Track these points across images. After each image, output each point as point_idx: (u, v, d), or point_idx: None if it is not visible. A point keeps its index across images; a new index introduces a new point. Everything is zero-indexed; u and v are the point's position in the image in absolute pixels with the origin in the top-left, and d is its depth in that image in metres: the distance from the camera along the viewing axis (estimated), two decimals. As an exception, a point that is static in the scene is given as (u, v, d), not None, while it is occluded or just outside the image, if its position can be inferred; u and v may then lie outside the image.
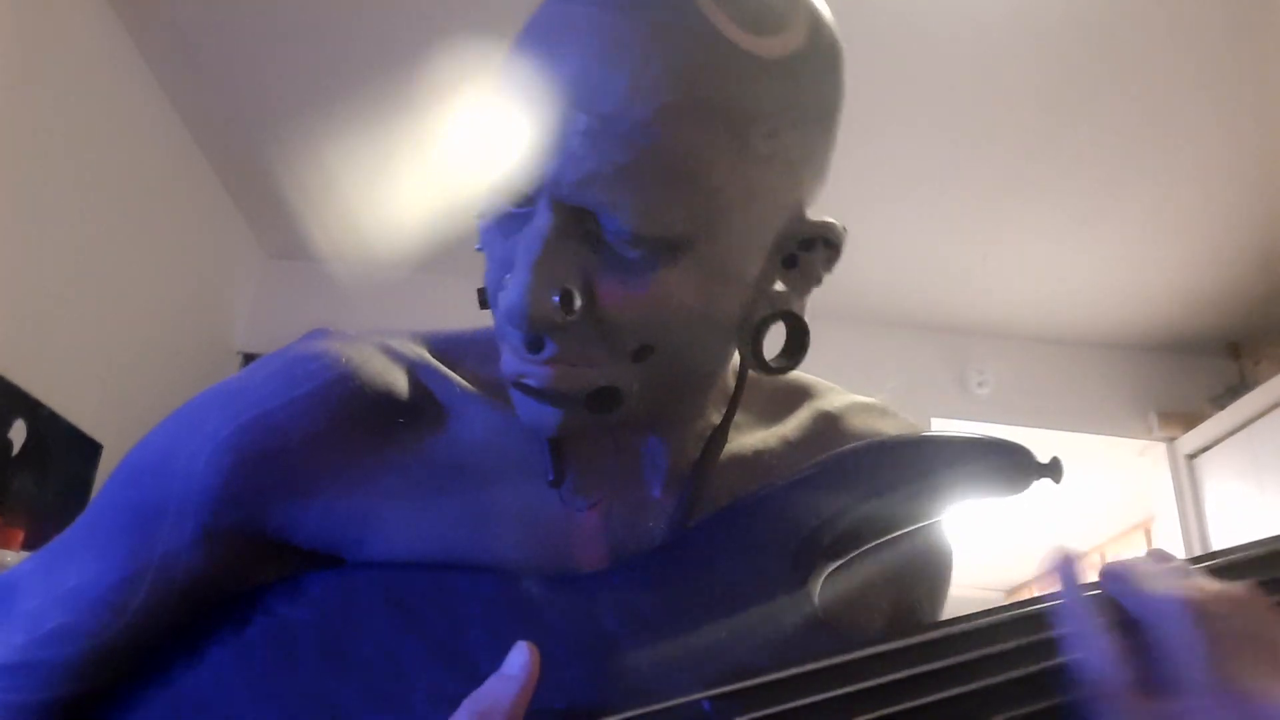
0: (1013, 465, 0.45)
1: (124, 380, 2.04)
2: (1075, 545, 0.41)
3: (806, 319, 0.48)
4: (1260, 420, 2.41)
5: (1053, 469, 0.45)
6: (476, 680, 0.37)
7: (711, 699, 0.38)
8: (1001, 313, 2.79)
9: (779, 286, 0.48)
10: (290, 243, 2.72)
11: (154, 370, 2.18)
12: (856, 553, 0.46)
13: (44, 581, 0.48)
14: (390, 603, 0.44)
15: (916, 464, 0.46)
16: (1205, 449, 2.63)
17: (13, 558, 1.64)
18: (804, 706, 0.38)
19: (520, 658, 0.37)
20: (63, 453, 1.86)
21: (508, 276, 0.42)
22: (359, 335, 0.52)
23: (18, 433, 1.73)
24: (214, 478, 0.46)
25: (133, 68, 2.04)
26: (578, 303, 0.42)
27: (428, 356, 0.53)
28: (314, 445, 0.47)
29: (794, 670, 0.39)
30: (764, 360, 0.48)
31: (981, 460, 0.45)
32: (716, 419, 0.52)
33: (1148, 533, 3.41)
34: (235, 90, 2.14)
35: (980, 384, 2.81)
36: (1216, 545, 2.51)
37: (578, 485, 0.50)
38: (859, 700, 0.38)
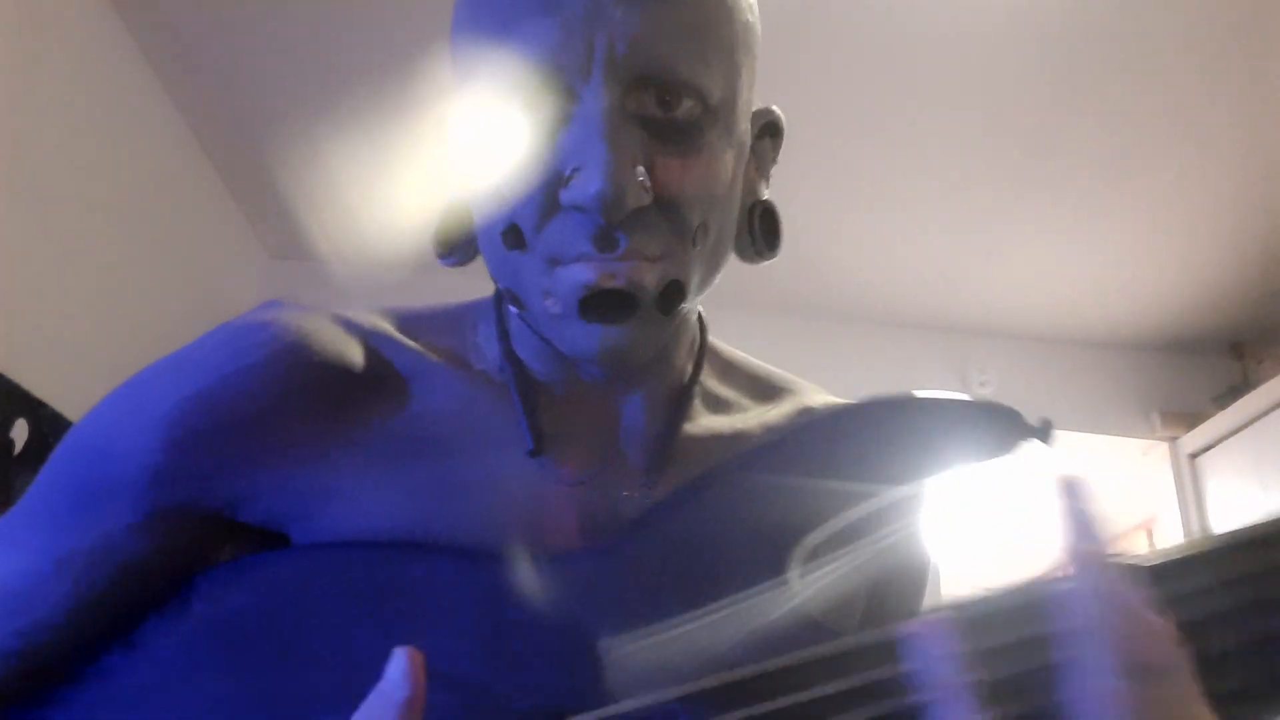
0: (1002, 428, 0.43)
1: (126, 379, 2.04)
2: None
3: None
4: (1263, 420, 2.40)
5: (1043, 431, 0.43)
6: (434, 679, 0.35)
7: (682, 699, 0.35)
8: (1003, 312, 2.78)
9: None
10: (292, 243, 2.72)
11: (156, 370, 2.18)
12: (839, 524, 0.43)
13: None
14: (343, 590, 0.41)
15: (898, 428, 0.43)
16: (1208, 449, 2.62)
17: (15, 557, 1.64)
18: (783, 708, 0.35)
19: (399, 668, 0.33)
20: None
21: (574, 170, 0.41)
22: (313, 306, 0.50)
23: (20, 432, 1.73)
24: (155, 456, 0.44)
25: (135, 68, 2.05)
26: (649, 182, 0.42)
27: (386, 326, 0.51)
28: (261, 419, 0.45)
29: (770, 665, 0.36)
30: (759, 247, 0.52)
31: (969, 423, 0.43)
32: (689, 371, 0.53)
33: (1150, 532, 3.40)
34: (238, 90, 2.14)
35: (982, 384, 2.81)
36: (1219, 545, 2.52)
37: (555, 455, 0.48)
38: (844, 700, 0.35)
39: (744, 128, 0.48)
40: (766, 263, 0.53)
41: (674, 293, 0.44)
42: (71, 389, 1.87)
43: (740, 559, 0.42)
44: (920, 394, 0.45)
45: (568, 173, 0.42)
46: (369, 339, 0.50)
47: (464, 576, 0.42)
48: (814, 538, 0.43)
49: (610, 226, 0.42)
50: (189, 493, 0.45)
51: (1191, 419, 2.70)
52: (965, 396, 0.44)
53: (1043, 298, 2.70)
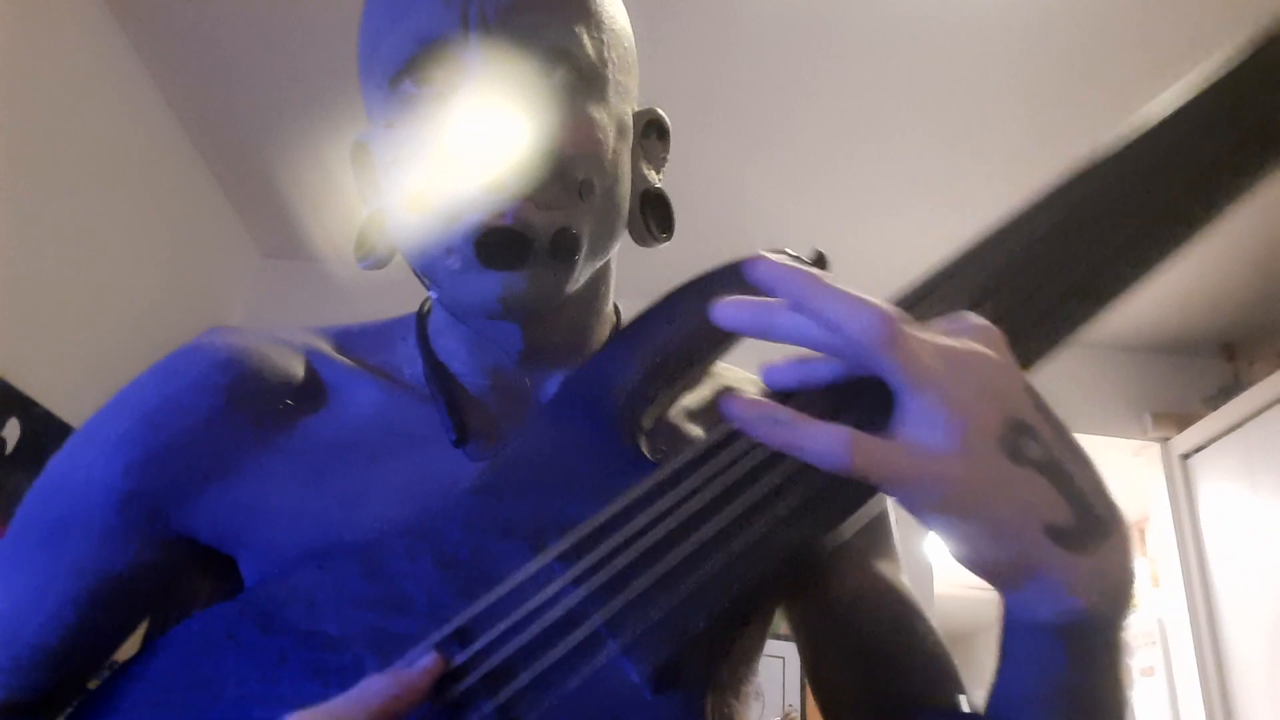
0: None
1: (118, 378, 2.02)
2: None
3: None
4: (1254, 420, 2.41)
5: (819, 260, 0.47)
6: (342, 647, 0.39)
7: (559, 556, 0.38)
8: (997, 313, 2.79)
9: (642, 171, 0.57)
10: (286, 242, 2.72)
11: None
12: (686, 375, 0.47)
13: None
14: (240, 632, 0.43)
15: (719, 289, 0.46)
16: (1199, 449, 2.63)
17: (7, 557, 1.63)
18: (639, 529, 0.38)
19: (420, 665, 0.37)
20: (56, 451, 1.86)
21: (459, 124, 0.45)
22: (250, 330, 0.53)
23: (11, 431, 1.72)
24: (111, 482, 0.47)
25: (128, 66, 2.04)
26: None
27: (318, 344, 0.54)
28: (199, 435, 0.48)
29: (619, 503, 0.39)
30: (651, 231, 0.56)
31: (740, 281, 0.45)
32: None
33: (1141, 532, 3.42)
34: (231, 89, 2.14)
35: (975, 384, 2.81)
36: (1211, 546, 2.52)
37: (478, 446, 0.51)
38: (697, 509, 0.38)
39: (623, 109, 0.53)
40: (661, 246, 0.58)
41: (566, 241, 0.48)
42: (64, 388, 1.86)
43: (595, 437, 0.45)
44: (736, 259, 0.47)
45: (456, 130, 0.46)
46: (303, 355, 0.53)
47: (351, 562, 0.44)
48: (663, 389, 0.47)
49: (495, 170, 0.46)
50: (144, 514, 0.48)
51: (1183, 420, 2.72)
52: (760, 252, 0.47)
53: (1036, 299, 2.70)
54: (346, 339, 0.56)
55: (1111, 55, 1.87)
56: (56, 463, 0.51)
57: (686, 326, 0.46)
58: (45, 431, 1.81)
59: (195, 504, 0.48)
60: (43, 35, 1.75)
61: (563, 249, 0.48)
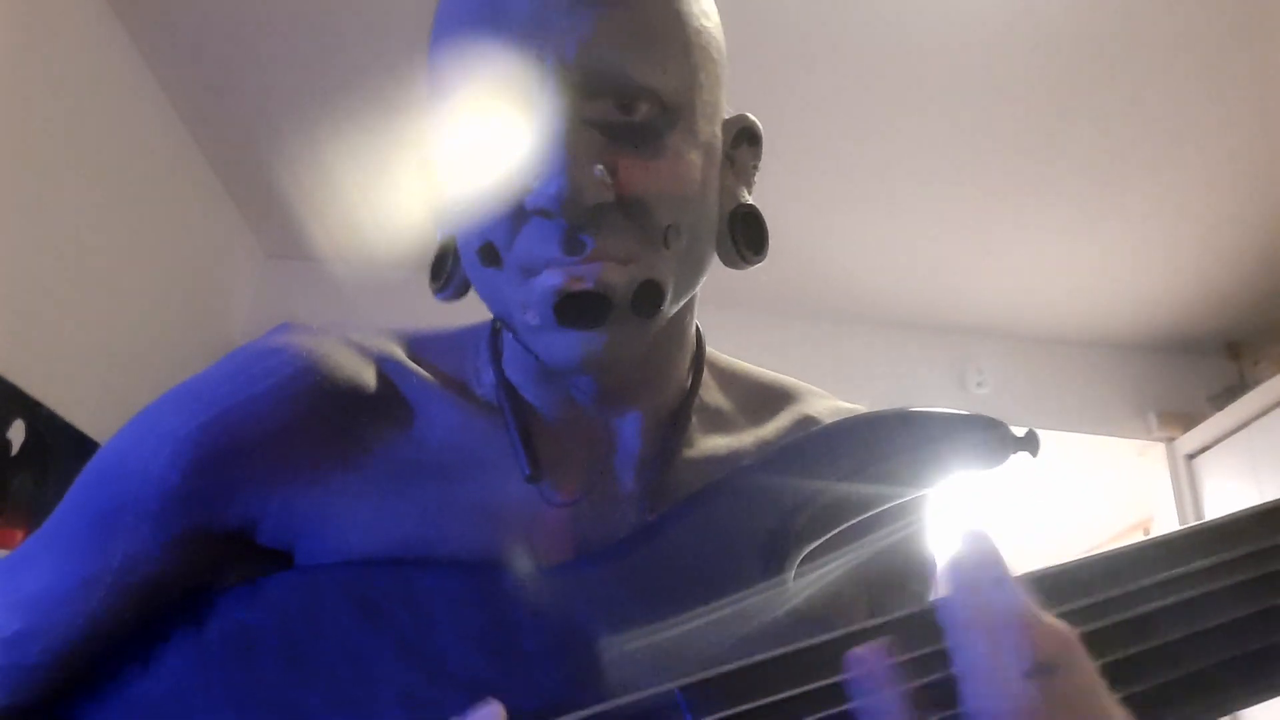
0: (990, 440, 0.44)
1: (123, 380, 2.04)
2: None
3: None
4: (1259, 420, 2.41)
5: (1029, 442, 0.44)
6: (444, 681, 0.37)
7: (684, 689, 0.36)
8: (1001, 313, 2.79)
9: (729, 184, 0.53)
10: (290, 242, 2.72)
11: (153, 370, 2.18)
12: (833, 534, 0.44)
13: (3, 588, 0.47)
14: (353, 602, 0.42)
15: (891, 441, 0.44)
16: (1204, 449, 2.63)
17: (12, 557, 1.63)
18: (784, 697, 0.36)
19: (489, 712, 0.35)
20: (62, 453, 1.86)
21: (534, 177, 0.42)
22: (324, 329, 0.51)
23: (17, 432, 1.72)
24: (172, 479, 0.46)
25: (131, 66, 2.04)
26: (610, 180, 0.42)
27: (394, 350, 0.52)
28: (273, 443, 0.47)
29: (769, 655, 0.36)
30: (742, 252, 0.52)
31: (958, 435, 0.44)
32: (686, 389, 0.53)
33: (1146, 532, 3.41)
34: (234, 89, 2.14)
35: (979, 384, 2.81)
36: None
37: (551, 479, 0.49)
38: (839, 689, 0.36)
39: (711, 131, 0.49)
40: (756, 266, 0.53)
41: (650, 294, 0.45)
42: (68, 390, 1.86)
43: (736, 565, 0.42)
44: (911, 408, 0.45)
45: (530, 181, 0.42)
46: (379, 364, 0.51)
47: (470, 585, 0.43)
48: (811, 541, 0.44)
49: (574, 228, 0.42)
50: (205, 515, 0.46)
51: (1188, 419, 2.71)
52: (953, 410, 0.45)
53: (1040, 298, 2.70)
54: (421, 345, 0.54)
55: (1118, 59, 1.86)
56: (111, 451, 0.49)
57: (876, 469, 0.43)
58: (50, 433, 1.82)
59: (257, 508, 0.47)
60: (46, 36, 1.75)
61: (646, 304, 0.44)
